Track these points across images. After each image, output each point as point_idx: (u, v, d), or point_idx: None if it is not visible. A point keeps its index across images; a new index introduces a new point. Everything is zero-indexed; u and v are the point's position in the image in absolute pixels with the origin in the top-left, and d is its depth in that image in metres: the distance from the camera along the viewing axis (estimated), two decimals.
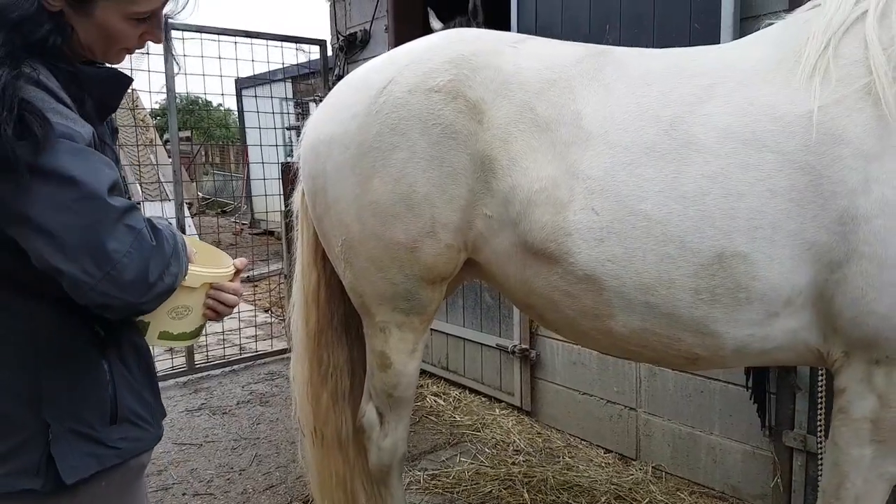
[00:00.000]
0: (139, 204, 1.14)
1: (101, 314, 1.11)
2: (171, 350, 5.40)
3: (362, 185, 1.92)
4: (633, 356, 1.98)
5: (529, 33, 3.47)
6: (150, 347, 1.35)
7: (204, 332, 1.42)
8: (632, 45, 2.52)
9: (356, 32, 5.12)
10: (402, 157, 1.87)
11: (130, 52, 1.25)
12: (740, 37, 2.50)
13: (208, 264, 1.36)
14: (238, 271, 1.39)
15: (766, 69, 1.70)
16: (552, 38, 2.20)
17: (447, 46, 1.95)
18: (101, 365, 1.19)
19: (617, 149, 1.73)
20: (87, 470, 1.13)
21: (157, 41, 1.26)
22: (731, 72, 1.74)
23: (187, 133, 19.82)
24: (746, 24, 2.82)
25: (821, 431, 2.20)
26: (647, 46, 2.36)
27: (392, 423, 2.25)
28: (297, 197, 2.31)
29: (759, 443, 2.96)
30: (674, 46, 2.07)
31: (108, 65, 1.27)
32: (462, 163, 1.85)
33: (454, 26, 4.14)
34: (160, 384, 4.51)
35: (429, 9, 4.31)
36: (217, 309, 1.33)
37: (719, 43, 2.78)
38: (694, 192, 1.64)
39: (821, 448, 2.15)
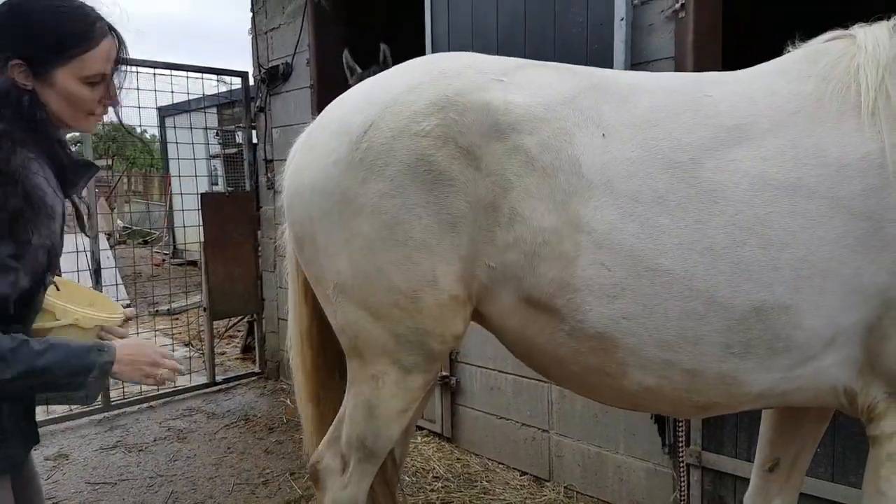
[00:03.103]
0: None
1: None
2: None
3: (352, 231, 1.80)
4: (641, 409, 1.91)
5: None
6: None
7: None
8: None
9: (278, 65, 5.18)
10: (394, 204, 1.74)
11: (97, 117, 1.50)
12: None
13: (98, 308, 1.49)
14: (128, 319, 1.56)
15: (806, 108, 1.61)
16: None
17: (429, 85, 1.78)
18: None
19: (623, 199, 1.61)
20: None
21: (114, 104, 1.52)
22: (758, 110, 1.64)
23: (108, 161, 19.16)
24: (636, 69, 3.06)
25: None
26: None
27: (356, 474, 2.03)
28: (287, 237, 2.19)
29: (660, 460, 3.14)
30: None
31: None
32: (461, 210, 1.71)
33: (370, 74, 4.27)
34: (73, 422, 4.38)
35: (346, 53, 4.41)
36: None
37: None
38: (724, 243, 1.54)
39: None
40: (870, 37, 1.65)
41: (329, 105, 2.05)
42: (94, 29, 1.45)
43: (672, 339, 1.60)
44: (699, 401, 1.70)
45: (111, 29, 1.49)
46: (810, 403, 1.74)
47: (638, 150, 1.64)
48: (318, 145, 1.91)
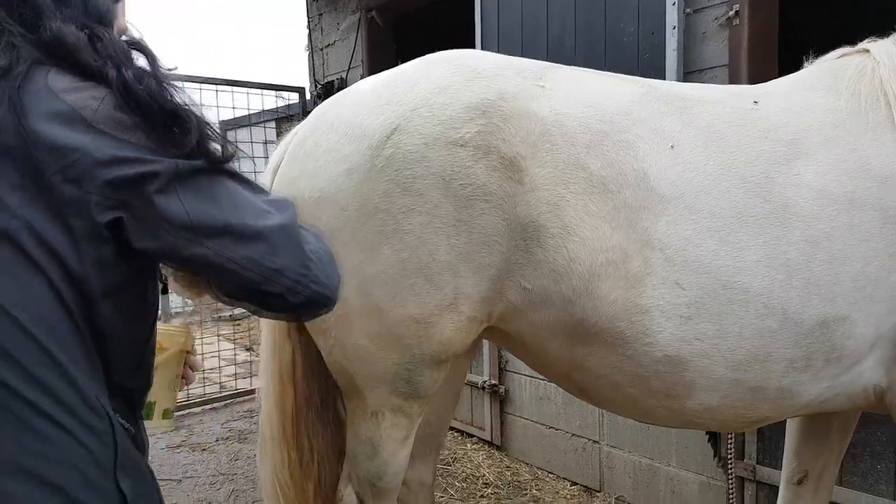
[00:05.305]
0: None
1: (299, 317, 1.12)
2: None
3: (367, 252, 1.59)
4: (691, 427, 1.87)
5: None
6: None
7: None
8: None
9: (333, 81, 5.34)
10: (420, 222, 1.56)
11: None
12: None
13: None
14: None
15: (845, 122, 1.64)
16: None
17: (463, 87, 1.61)
18: None
19: (700, 214, 1.55)
20: None
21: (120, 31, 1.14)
22: (806, 124, 1.65)
23: None
24: (689, 78, 3.04)
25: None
26: None
27: None
28: None
29: (713, 473, 3.08)
30: None
31: None
32: (496, 228, 1.57)
33: None
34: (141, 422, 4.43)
35: (400, 62, 4.53)
36: (188, 375, 1.33)
37: None
38: (798, 259, 1.53)
39: None
40: (882, 50, 1.70)
41: (324, 105, 1.82)
42: None
43: (743, 357, 1.57)
44: (752, 416, 1.68)
45: None
46: (841, 407, 1.74)
47: (710, 163, 1.58)
48: (322, 151, 1.67)
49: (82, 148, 0.87)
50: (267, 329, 1.96)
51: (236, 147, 1.05)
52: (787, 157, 1.60)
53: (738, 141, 1.62)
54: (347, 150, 1.62)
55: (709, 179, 1.57)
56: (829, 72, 1.77)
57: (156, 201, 0.90)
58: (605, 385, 1.71)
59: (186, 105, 0.97)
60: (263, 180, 1.88)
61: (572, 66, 1.84)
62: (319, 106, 1.85)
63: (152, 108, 0.92)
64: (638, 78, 1.86)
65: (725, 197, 1.56)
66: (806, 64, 1.89)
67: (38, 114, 0.87)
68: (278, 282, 0.98)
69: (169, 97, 0.95)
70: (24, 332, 0.86)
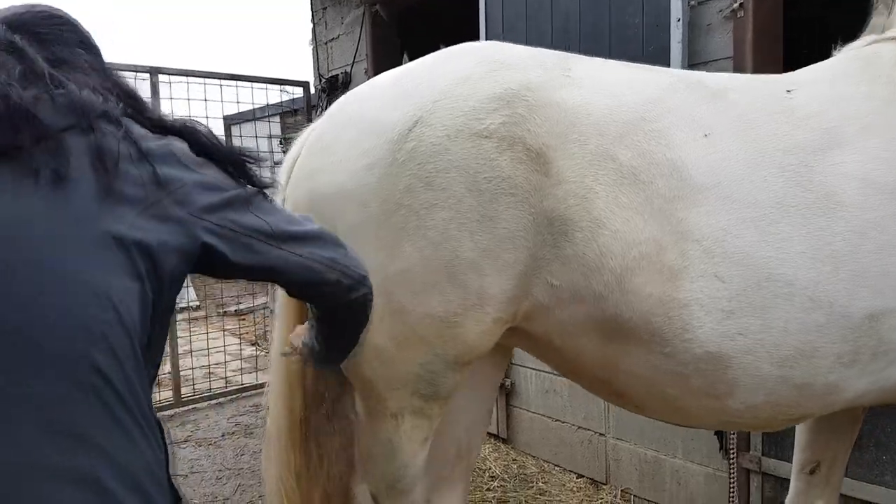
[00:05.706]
0: None
1: (352, 302, 1.23)
2: (158, 384, 5.51)
3: (389, 250, 1.54)
4: (729, 427, 1.81)
5: None
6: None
7: None
8: None
9: (338, 75, 5.34)
10: (443, 217, 1.51)
11: None
12: None
13: None
14: None
15: (883, 110, 1.62)
16: None
17: (487, 77, 1.56)
18: None
19: (738, 203, 1.50)
20: None
21: None
22: (843, 112, 1.62)
23: None
24: (694, 70, 3.03)
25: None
26: None
27: None
28: None
29: (718, 465, 3.09)
30: None
31: None
32: (522, 223, 1.51)
33: None
34: None
35: (405, 59, 4.54)
36: None
37: None
38: (844, 250, 1.49)
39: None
40: None
41: (342, 99, 1.80)
42: None
43: (789, 353, 1.51)
44: (795, 414, 1.64)
45: None
46: (872, 401, 1.71)
47: (747, 152, 1.54)
48: (342, 146, 1.63)
49: (180, 179, 1.02)
50: (279, 327, 1.89)
51: (274, 179, 1.25)
52: (827, 146, 1.55)
53: (774, 129, 1.57)
54: (368, 145, 1.57)
55: (746, 167, 1.53)
56: (859, 60, 1.74)
57: (240, 220, 1.07)
58: (641, 385, 1.65)
59: (234, 148, 1.17)
60: (279, 176, 1.86)
61: (597, 59, 1.79)
62: (338, 100, 1.82)
63: (218, 150, 1.11)
64: (664, 68, 1.85)
65: (764, 186, 1.51)
66: (834, 52, 1.87)
67: (145, 149, 1.03)
68: (335, 268, 1.16)
69: (220, 142, 1.15)
70: (123, 330, 0.93)
